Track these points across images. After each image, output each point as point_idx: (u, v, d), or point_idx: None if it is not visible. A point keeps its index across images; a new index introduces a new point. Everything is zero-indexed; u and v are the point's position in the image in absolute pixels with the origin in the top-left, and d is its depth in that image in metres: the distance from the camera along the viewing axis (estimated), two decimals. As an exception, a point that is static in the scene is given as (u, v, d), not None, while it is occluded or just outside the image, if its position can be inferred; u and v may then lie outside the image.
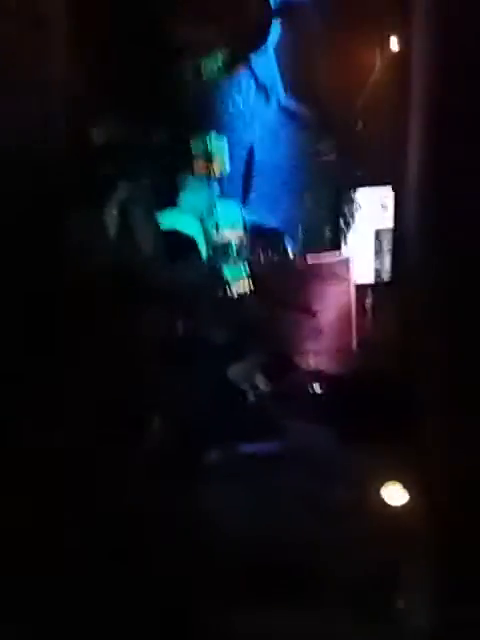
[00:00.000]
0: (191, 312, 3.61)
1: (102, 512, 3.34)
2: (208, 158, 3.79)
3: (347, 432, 4.20)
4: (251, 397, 4.00)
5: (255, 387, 4.03)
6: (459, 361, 3.21)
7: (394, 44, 4.13)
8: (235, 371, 3.94)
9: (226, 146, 3.95)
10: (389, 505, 3.67)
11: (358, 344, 4.79)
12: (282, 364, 4.24)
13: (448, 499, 3.43)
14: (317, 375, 4.61)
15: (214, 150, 3.79)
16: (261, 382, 4.02)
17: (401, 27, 4.06)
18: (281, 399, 4.22)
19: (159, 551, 3.48)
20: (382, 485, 3.72)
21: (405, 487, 3.70)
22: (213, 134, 3.86)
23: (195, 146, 3.80)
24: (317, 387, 4.54)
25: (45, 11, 3.29)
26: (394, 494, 3.73)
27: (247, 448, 3.96)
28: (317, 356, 4.87)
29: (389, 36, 4.11)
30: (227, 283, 3.82)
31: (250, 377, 3.97)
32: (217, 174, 3.87)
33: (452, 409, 3.39)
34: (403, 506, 3.69)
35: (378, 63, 4.17)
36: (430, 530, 3.57)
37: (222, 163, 3.86)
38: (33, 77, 3.21)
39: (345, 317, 4.80)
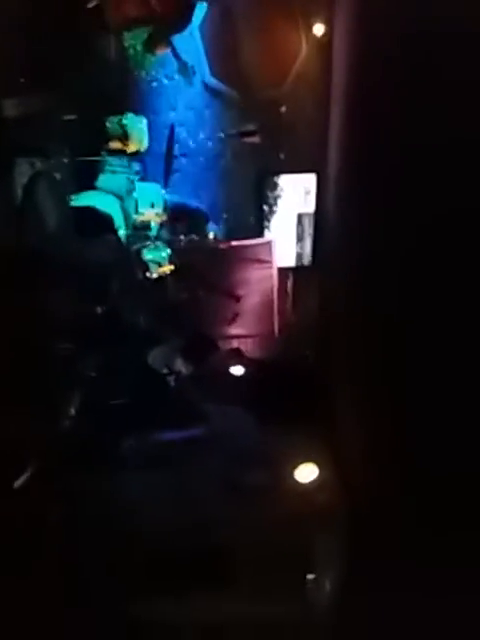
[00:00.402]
0: (108, 293, 3.50)
1: (19, 498, 3.23)
2: (124, 138, 3.67)
3: (265, 415, 4.30)
4: (170, 381, 3.97)
5: (175, 371, 4.00)
6: (373, 345, 3.34)
7: (318, 31, 4.18)
8: (155, 355, 3.89)
9: (144, 126, 3.85)
10: (302, 484, 3.81)
11: (280, 326, 4.94)
12: (202, 347, 4.23)
13: (358, 478, 3.60)
14: (238, 359, 4.67)
15: (130, 129, 3.69)
16: (181, 365, 3.99)
17: (325, 15, 4.10)
18: (200, 383, 4.22)
19: (78, 537, 3.42)
20: (296, 466, 3.85)
21: (317, 466, 3.86)
22: (130, 114, 3.76)
23: (111, 125, 3.67)
24: (237, 371, 4.60)
25: None
26: (307, 473, 3.88)
27: (166, 434, 3.95)
28: (240, 341, 4.95)
29: (314, 23, 4.14)
30: (146, 264, 3.74)
31: (170, 361, 3.93)
32: (133, 152, 3.75)
33: (364, 392, 3.53)
34: (314, 483, 3.85)
35: (303, 49, 4.20)
36: (340, 507, 3.76)
37: (139, 142, 3.76)
38: None
39: (267, 301, 4.87)
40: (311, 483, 3.83)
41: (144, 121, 3.83)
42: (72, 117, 3.51)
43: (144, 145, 3.84)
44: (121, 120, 3.68)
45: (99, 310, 3.41)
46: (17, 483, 3.24)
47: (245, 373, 4.57)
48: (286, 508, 3.69)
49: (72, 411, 3.43)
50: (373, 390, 3.27)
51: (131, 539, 3.48)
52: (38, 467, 3.35)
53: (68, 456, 3.49)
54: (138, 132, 3.73)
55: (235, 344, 4.81)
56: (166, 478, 3.71)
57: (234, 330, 4.90)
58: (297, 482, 3.85)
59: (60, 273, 3.14)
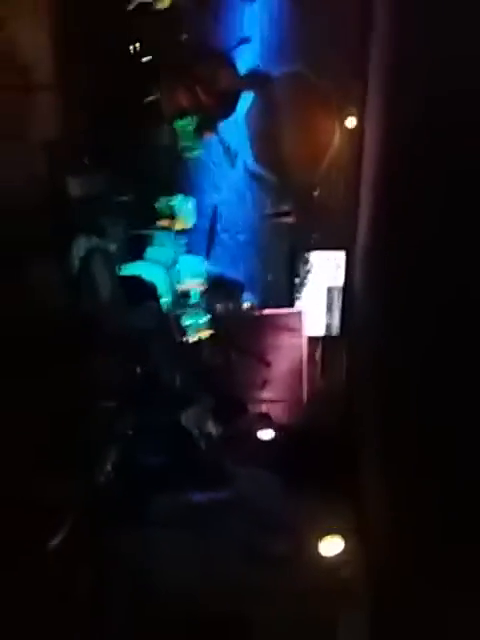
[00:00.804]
0: (149, 355, 3.73)
1: (42, 551, 3.31)
2: (172, 217, 4.07)
3: (291, 482, 4.34)
4: (201, 443, 4.09)
5: (206, 433, 4.13)
6: (400, 415, 3.40)
7: (351, 123, 4.59)
8: (188, 416, 4.04)
9: (191, 206, 4.24)
10: (326, 556, 3.78)
11: (308, 393, 5.08)
12: (232, 409, 4.38)
13: (383, 552, 3.55)
14: (268, 423, 4.78)
15: (178, 210, 4.09)
16: (211, 427, 4.13)
17: (357, 109, 4.52)
18: (229, 446, 4.33)
19: (101, 595, 3.46)
20: (321, 537, 3.84)
21: (342, 538, 3.83)
22: (179, 196, 4.15)
23: (161, 205, 4.08)
24: (265, 435, 4.70)
25: (35, 75, 3.52)
26: (331, 546, 3.85)
27: (194, 495, 4.02)
28: (269, 405, 5.10)
29: (347, 116, 4.57)
30: (185, 329, 3.99)
31: (201, 422, 4.08)
32: (180, 231, 4.12)
33: (392, 463, 3.54)
34: (339, 557, 3.81)
35: (336, 138, 4.60)
36: (365, 582, 3.68)
37: (185, 221, 4.15)
38: (19, 129, 3.39)
39: (296, 368, 5.08)
40: (335, 557, 3.80)
41: (191, 202, 4.23)
42: (126, 198, 3.89)
43: (190, 224, 4.23)
44: (170, 201, 4.07)
45: (139, 371, 3.62)
46: (52, 542, 3.32)
47: (273, 438, 4.68)
48: (308, 581, 3.64)
49: (108, 468, 3.57)
50: (401, 462, 3.24)
51: (152, 599, 3.49)
52: (72, 526, 3.44)
53: (100, 514, 3.60)
54: (185, 212, 4.13)
55: (264, 409, 4.97)
56: (191, 540, 3.76)
57: (264, 394, 5.06)
58: (321, 555, 3.83)
59: (107, 337, 3.39)
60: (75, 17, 3.73)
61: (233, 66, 4.08)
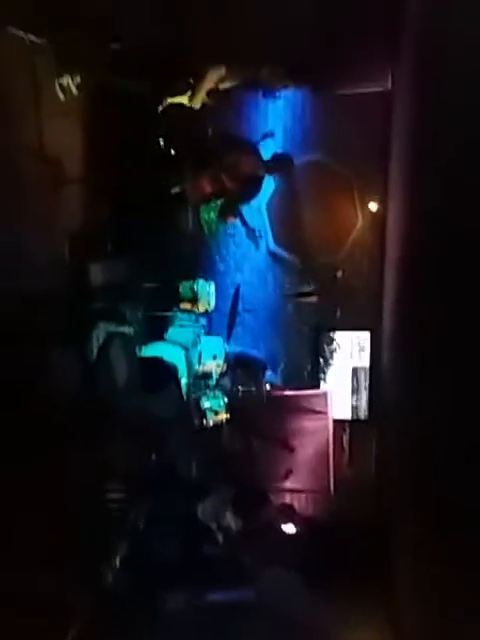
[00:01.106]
0: (165, 442, 3.59)
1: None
2: (194, 300, 4.10)
3: (318, 582, 3.99)
4: (220, 538, 3.82)
5: (224, 527, 3.87)
6: (436, 509, 3.15)
7: (373, 207, 4.66)
8: (205, 508, 3.81)
9: (212, 290, 4.28)
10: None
11: (335, 484, 4.77)
12: (253, 502, 4.12)
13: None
14: (291, 516, 4.48)
15: (200, 293, 4.12)
16: (230, 520, 3.87)
17: (379, 194, 4.61)
18: (249, 541, 4.03)
19: None
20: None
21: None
22: (200, 280, 4.20)
23: (183, 289, 4.13)
24: (289, 529, 4.38)
25: (63, 167, 3.75)
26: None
27: (212, 594, 3.71)
28: (292, 496, 4.79)
29: (369, 200, 4.65)
30: (204, 413, 3.87)
31: (219, 515, 3.83)
32: (201, 313, 4.14)
33: (428, 562, 3.24)
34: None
35: (359, 222, 4.67)
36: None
37: (207, 304, 4.17)
38: (41, 217, 3.54)
39: (322, 454, 4.79)
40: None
41: (212, 285, 4.27)
42: (150, 284, 3.96)
43: (211, 306, 4.24)
44: (192, 285, 4.11)
45: (154, 458, 3.48)
46: None
47: (297, 533, 4.35)
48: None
49: (117, 564, 3.34)
50: (438, 560, 2.99)
51: None
52: (81, 627, 3.20)
53: (108, 616, 3.33)
54: (206, 295, 4.15)
55: (288, 500, 4.67)
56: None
57: (288, 484, 4.77)
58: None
59: (122, 425, 3.30)
60: (104, 114, 3.97)
61: (257, 153, 4.24)
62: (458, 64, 2.50)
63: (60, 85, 3.67)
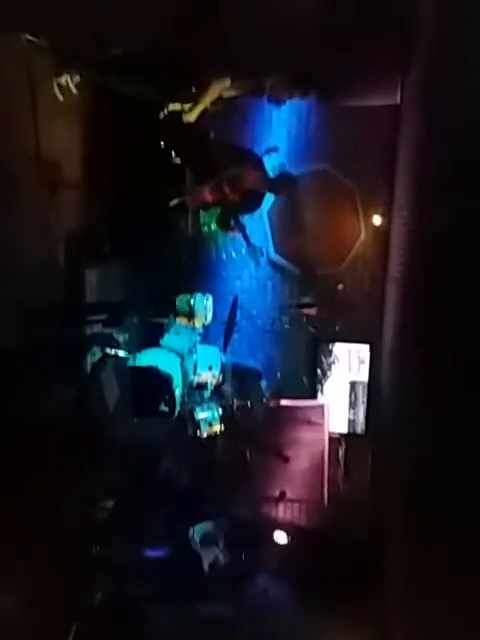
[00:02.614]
0: (159, 455, 3.54)
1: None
2: (190, 315, 4.03)
3: (310, 595, 3.94)
4: (211, 559, 3.77)
5: (217, 549, 3.82)
6: (431, 525, 3.10)
7: (377, 220, 4.61)
8: (196, 532, 3.75)
9: (209, 303, 4.20)
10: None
11: (329, 497, 4.72)
12: (246, 529, 4.06)
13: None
14: (284, 525, 4.43)
15: (197, 308, 4.05)
16: (220, 555, 3.82)
17: (383, 206, 4.55)
18: (240, 551, 3.99)
19: None
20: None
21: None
22: (197, 294, 4.13)
23: (179, 302, 4.05)
24: (281, 539, 4.33)
25: (61, 171, 3.70)
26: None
27: (201, 607, 3.66)
28: (286, 505, 4.75)
29: (373, 213, 4.59)
30: (198, 424, 3.82)
31: (211, 544, 3.77)
32: (198, 327, 4.08)
33: (423, 578, 3.18)
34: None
35: (362, 234, 4.61)
36: None
37: (203, 318, 4.10)
38: (36, 223, 3.48)
39: (317, 466, 4.77)
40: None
41: (210, 299, 4.19)
42: (146, 296, 3.87)
43: (208, 321, 4.17)
44: (189, 300, 4.02)
45: (147, 472, 3.42)
46: None
47: (289, 543, 4.31)
48: None
49: (99, 596, 3.29)
50: (433, 577, 2.93)
51: None
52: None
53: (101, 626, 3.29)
54: (203, 310, 4.07)
55: (282, 510, 4.61)
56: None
57: (281, 492, 4.72)
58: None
59: (114, 444, 3.24)
60: (104, 117, 3.88)
61: (261, 168, 4.18)
62: (470, 78, 2.45)
63: (58, 85, 3.54)
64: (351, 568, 4.10)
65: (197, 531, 3.78)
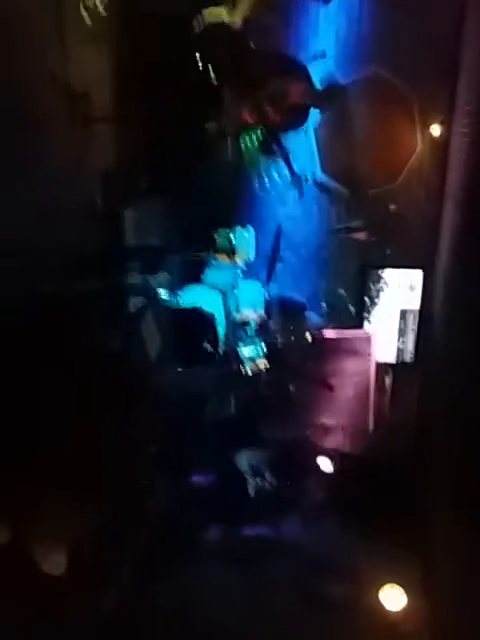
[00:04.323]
0: (203, 392, 3.54)
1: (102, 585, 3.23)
2: (231, 252, 3.81)
3: (352, 521, 4.04)
4: (257, 486, 3.87)
5: (262, 478, 3.91)
6: (477, 457, 3.05)
7: (435, 131, 4.13)
8: (241, 460, 3.83)
9: (252, 238, 3.97)
10: (387, 610, 3.49)
11: (375, 424, 4.70)
12: (291, 457, 4.11)
13: (450, 610, 3.22)
14: (329, 452, 4.49)
15: (238, 244, 3.81)
16: (268, 477, 3.90)
17: (443, 115, 4.05)
18: (284, 476, 4.08)
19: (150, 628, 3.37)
20: (381, 587, 3.54)
21: (405, 592, 3.52)
22: (238, 228, 3.89)
23: (220, 238, 3.82)
24: (327, 465, 4.41)
25: (85, 101, 3.39)
26: (393, 597, 3.55)
27: (246, 531, 3.83)
28: (331, 433, 4.78)
29: (431, 122, 4.10)
30: (242, 362, 3.76)
31: (256, 470, 3.85)
32: (239, 264, 3.87)
33: (465, 510, 3.20)
34: (401, 610, 3.51)
35: (418, 147, 4.16)
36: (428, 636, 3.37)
37: (245, 255, 3.88)
38: (68, 159, 3.26)
39: (363, 395, 4.66)
40: (396, 611, 3.50)
41: (252, 233, 3.95)
42: (185, 231, 3.65)
43: (250, 257, 3.96)
44: (229, 235, 3.80)
45: (190, 408, 3.45)
46: None
47: (333, 470, 4.38)
48: (365, 632, 3.40)
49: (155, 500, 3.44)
50: (476, 509, 2.92)
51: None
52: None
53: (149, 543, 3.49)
54: (245, 246, 3.84)
55: (327, 437, 4.65)
56: (241, 580, 3.59)
57: (327, 421, 4.75)
58: (382, 605, 3.55)
59: (159, 391, 3.23)
60: (135, 39, 3.53)
61: (307, 78, 3.72)
62: None
63: (85, 7, 3.22)
64: (397, 495, 4.15)
65: (243, 458, 3.87)
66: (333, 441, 4.66)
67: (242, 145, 3.85)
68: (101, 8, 3.31)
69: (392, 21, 3.92)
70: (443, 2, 3.77)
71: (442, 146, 4.11)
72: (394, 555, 3.76)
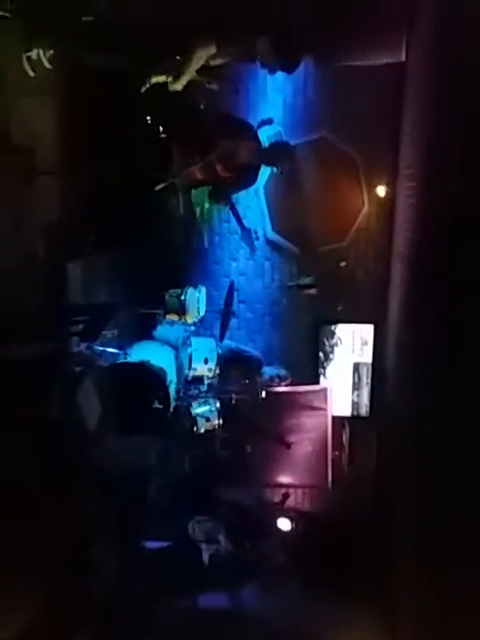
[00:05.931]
0: (155, 453, 3.39)
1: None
2: (182, 312, 3.77)
3: (315, 582, 3.88)
4: (206, 554, 3.69)
5: (217, 545, 3.73)
6: (437, 509, 3.00)
7: (381, 191, 4.31)
8: (196, 528, 3.65)
9: (203, 297, 3.96)
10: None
11: (333, 481, 4.60)
12: (248, 520, 3.97)
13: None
14: (287, 513, 4.34)
15: (189, 304, 3.78)
16: (224, 540, 3.73)
17: (388, 176, 4.23)
18: (243, 540, 3.91)
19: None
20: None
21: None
22: (189, 289, 3.87)
23: (170, 298, 3.78)
24: (284, 525, 4.25)
25: (36, 157, 3.37)
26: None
27: (204, 599, 3.60)
28: (289, 493, 4.61)
29: (377, 183, 4.27)
30: (195, 420, 3.64)
31: (212, 537, 3.68)
32: (190, 322, 3.83)
33: (429, 563, 3.11)
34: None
35: (365, 207, 4.31)
36: None
37: (196, 315, 3.85)
38: (18, 215, 3.18)
39: (321, 451, 4.62)
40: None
41: (203, 292, 3.94)
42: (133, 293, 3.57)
43: (200, 315, 3.93)
44: (180, 295, 3.77)
45: (145, 467, 3.28)
46: None
47: (292, 529, 4.23)
48: None
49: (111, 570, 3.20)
50: (440, 561, 2.82)
51: None
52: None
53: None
54: (195, 304, 3.82)
55: (285, 497, 4.51)
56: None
57: (284, 479, 4.63)
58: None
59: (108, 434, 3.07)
60: (81, 96, 3.54)
61: (255, 139, 3.83)
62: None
63: (28, 59, 3.21)
64: (356, 554, 4.04)
65: (197, 526, 3.69)
66: (291, 501, 4.53)
67: (192, 201, 3.88)
68: (45, 60, 3.27)
69: (337, 89, 4.13)
70: (384, 74, 4.01)
71: (388, 206, 4.28)
72: (358, 616, 3.61)
